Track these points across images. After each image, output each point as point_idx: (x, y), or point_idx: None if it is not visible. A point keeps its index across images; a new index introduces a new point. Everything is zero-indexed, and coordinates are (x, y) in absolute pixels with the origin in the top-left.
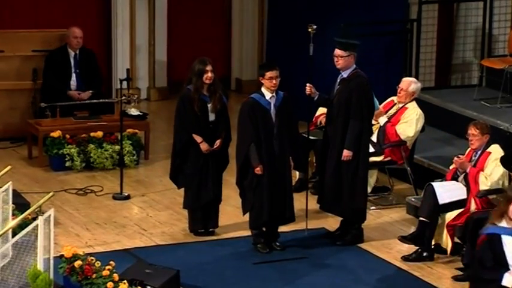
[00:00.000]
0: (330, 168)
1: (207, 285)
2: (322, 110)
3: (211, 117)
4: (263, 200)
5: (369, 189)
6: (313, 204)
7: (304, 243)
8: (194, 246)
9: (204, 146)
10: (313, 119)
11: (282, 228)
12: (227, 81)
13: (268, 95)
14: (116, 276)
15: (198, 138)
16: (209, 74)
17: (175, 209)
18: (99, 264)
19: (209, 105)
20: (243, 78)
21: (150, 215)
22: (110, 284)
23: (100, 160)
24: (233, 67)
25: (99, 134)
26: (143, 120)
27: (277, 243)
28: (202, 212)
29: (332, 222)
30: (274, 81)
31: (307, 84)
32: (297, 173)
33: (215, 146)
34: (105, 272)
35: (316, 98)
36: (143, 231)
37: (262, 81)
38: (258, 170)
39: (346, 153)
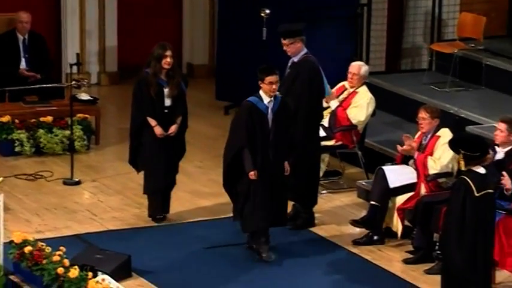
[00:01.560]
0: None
1: (158, 271)
2: None
3: (167, 102)
4: (256, 207)
5: (320, 174)
6: None
7: None
8: (145, 232)
9: (157, 130)
10: None
11: (231, 213)
12: (178, 66)
13: (266, 99)
14: (66, 262)
15: (152, 122)
16: (168, 59)
17: (126, 194)
18: (50, 250)
19: (166, 90)
20: (194, 63)
21: (101, 200)
22: (60, 270)
23: (50, 145)
24: (184, 52)
25: (49, 119)
26: (93, 105)
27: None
28: (162, 198)
29: None
30: (274, 86)
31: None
32: None
33: (170, 131)
34: (56, 258)
35: None
36: (94, 217)
37: (261, 86)
38: (252, 175)
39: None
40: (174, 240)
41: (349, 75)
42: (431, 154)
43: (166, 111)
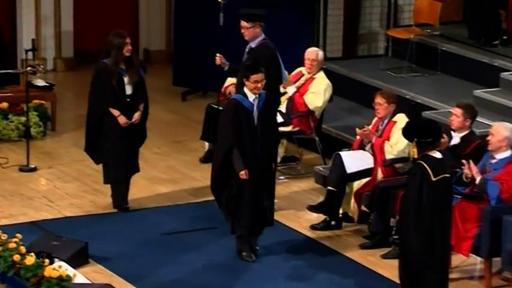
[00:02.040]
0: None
1: (116, 257)
2: (231, 80)
3: (128, 90)
4: (246, 207)
5: (278, 159)
6: None
7: (214, 213)
8: (103, 218)
9: (122, 120)
10: (222, 89)
11: (191, 199)
12: (134, 51)
13: (251, 96)
14: (22, 249)
15: (116, 112)
16: (129, 47)
17: (83, 181)
18: (6, 237)
19: (125, 78)
20: (151, 49)
21: (58, 187)
22: (16, 257)
23: (5, 132)
24: (141, 37)
25: (4, 105)
26: (49, 91)
27: (257, 247)
28: (126, 186)
29: None
30: (259, 85)
31: (217, 55)
32: (206, 143)
33: (133, 120)
34: (12, 245)
35: (226, 68)
36: (51, 203)
37: (246, 83)
38: (242, 175)
39: None
40: (132, 227)
41: (307, 61)
42: (388, 139)
43: (128, 99)
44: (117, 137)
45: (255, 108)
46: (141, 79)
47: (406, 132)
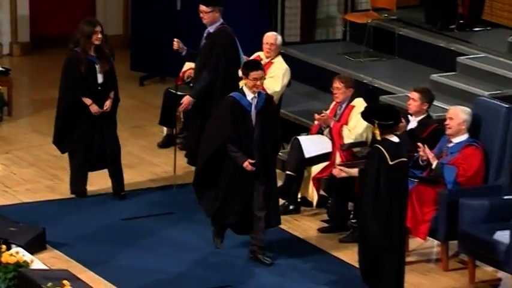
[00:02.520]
0: (197, 124)
1: (74, 243)
2: (189, 65)
3: (100, 78)
4: (233, 205)
5: None
6: (182, 159)
7: (172, 198)
8: (60, 204)
9: (94, 109)
10: (181, 74)
11: (149, 184)
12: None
13: (249, 95)
14: None
15: (88, 101)
16: (99, 35)
17: (40, 166)
18: None
19: (97, 67)
20: (108, 34)
21: (14, 172)
22: None
23: None
24: None
25: None
26: (6, 76)
27: (266, 258)
28: (113, 173)
29: None
30: (258, 82)
31: (175, 39)
32: (164, 128)
33: (105, 108)
34: None
35: (184, 53)
36: (7, 189)
37: (245, 81)
38: (247, 165)
39: (187, 100)
40: (91, 212)
41: (266, 46)
42: (346, 123)
43: (99, 88)
44: (87, 126)
45: (253, 107)
46: (112, 67)
47: (367, 115)
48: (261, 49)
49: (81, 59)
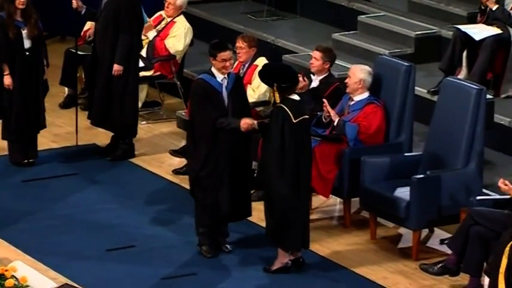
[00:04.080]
0: (99, 83)
1: None
2: (90, 24)
3: (27, 44)
4: (221, 195)
5: (140, 104)
6: (84, 120)
7: (75, 159)
8: None
9: (7, 80)
10: (82, 33)
11: (52, 145)
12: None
13: (219, 76)
14: None
15: (6, 70)
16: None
17: None
18: None
19: (24, 32)
20: None
21: None
22: None
23: None
24: None
25: None
26: None
27: (227, 246)
28: (23, 142)
29: (102, 138)
30: (227, 63)
31: None
32: (66, 89)
33: None
34: None
35: (83, 12)
36: None
37: (213, 63)
38: (245, 123)
39: (117, 68)
40: None
41: (166, 4)
42: (249, 83)
43: (27, 53)
44: (16, 92)
45: (223, 88)
46: (40, 32)
47: (264, 78)
48: (163, 8)
49: (8, 24)
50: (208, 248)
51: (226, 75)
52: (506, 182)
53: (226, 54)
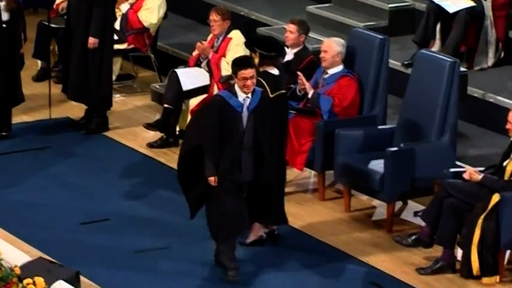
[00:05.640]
0: (74, 57)
1: None
2: None
3: (5, 16)
4: (221, 215)
5: (114, 77)
6: (57, 93)
7: (48, 132)
8: None
9: None
10: (54, 6)
11: (25, 118)
12: None
13: (241, 95)
14: None
15: None
16: None
17: None
18: None
19: (2, 4)
20: None
21: None
22: None
23: None
24: None
25: None
26: None
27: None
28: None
29: (76, 111)
30: (248, 82)
31: None
32: (39, 61)
33: None
34: None
35: None
36: None
37: (235, 80)
38: (211, 181)
39: (92, 41)
40: None
41: None
42: (224, 56)
43: (4, 26)
44: None
45: (244, 108)
46: (19, 5)
47: (251, 43)
48: None
49: None
50: (235, 272)
51: (249, 94)
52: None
53: (247, 72)
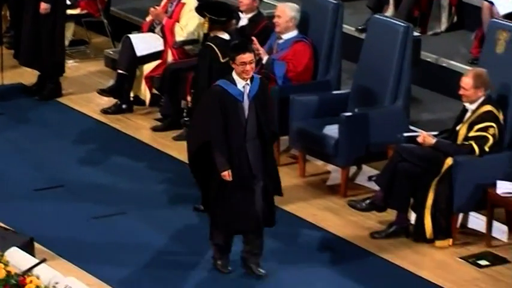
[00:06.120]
0: (26, 22)
1: None
2: None
3: None
4: (228, 210)
5: (66, 43)
6: (9, 59)
7: (0, 98)
8: None
9: None
10: None
11: None
12: None
13: (240, 82)
14: None
15: None
16: None
17: None
18: None
19: None
20: None
21: None
22: None
23: None
24: None
25: None
26: None
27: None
28: None
29: (28, 77)
30: (247, 67)
31: None
32: None
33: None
34: None
35: None
36: None
37: (233, 66)
38: (225, 175)
39: (44, 6)
40: None
41: None
42: (178, 21)
43: None
44: None
45: (245, 96)
46: None
47: (201, 7)
48: None
49: None
50: (224, 262)
51: (248, 81)
52: (426, 137)
53: (245, 56)
